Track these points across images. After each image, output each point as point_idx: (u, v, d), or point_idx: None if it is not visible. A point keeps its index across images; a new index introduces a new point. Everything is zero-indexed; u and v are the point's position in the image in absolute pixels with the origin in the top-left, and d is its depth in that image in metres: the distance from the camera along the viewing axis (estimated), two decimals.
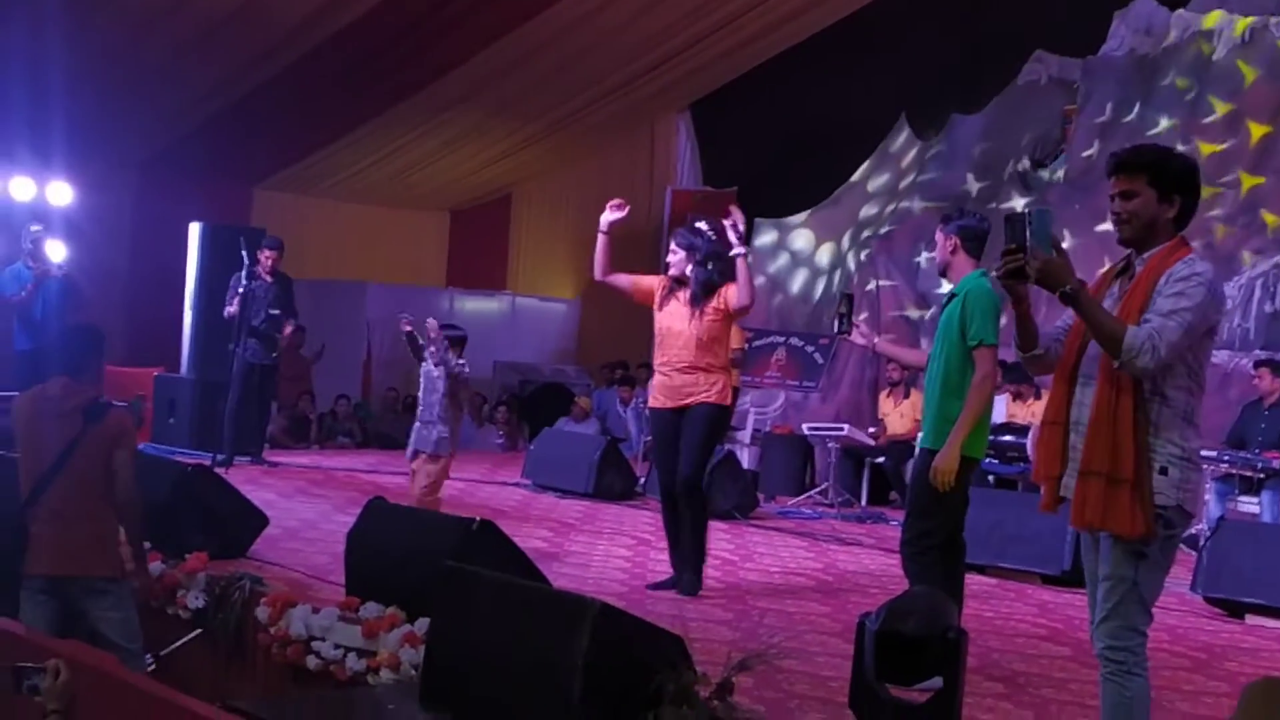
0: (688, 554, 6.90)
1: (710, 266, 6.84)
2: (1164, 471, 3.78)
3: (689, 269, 6.86)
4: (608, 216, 6.91)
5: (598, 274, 7.11)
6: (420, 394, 7.74)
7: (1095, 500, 3.80)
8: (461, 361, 7.66)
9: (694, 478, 6.84)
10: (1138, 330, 3.72)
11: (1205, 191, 11.58)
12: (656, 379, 7.01)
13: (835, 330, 6.14)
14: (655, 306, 6.96)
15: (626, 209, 6.93)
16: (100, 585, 5.40)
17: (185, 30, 12.67)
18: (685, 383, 6.82)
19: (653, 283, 7.04)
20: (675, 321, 6.86)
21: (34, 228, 11.06)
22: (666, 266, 7.00)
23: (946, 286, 5.44)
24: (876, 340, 6.44)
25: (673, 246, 6.93)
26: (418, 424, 7.71)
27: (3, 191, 12.77)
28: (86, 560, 5.38)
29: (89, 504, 5.38)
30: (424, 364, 7.66)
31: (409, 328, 7.66)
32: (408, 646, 5.27)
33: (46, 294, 10.81)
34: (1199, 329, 3.77)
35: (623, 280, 7.10)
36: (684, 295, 6.86)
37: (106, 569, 5.43)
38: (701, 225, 7.02)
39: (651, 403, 7.13)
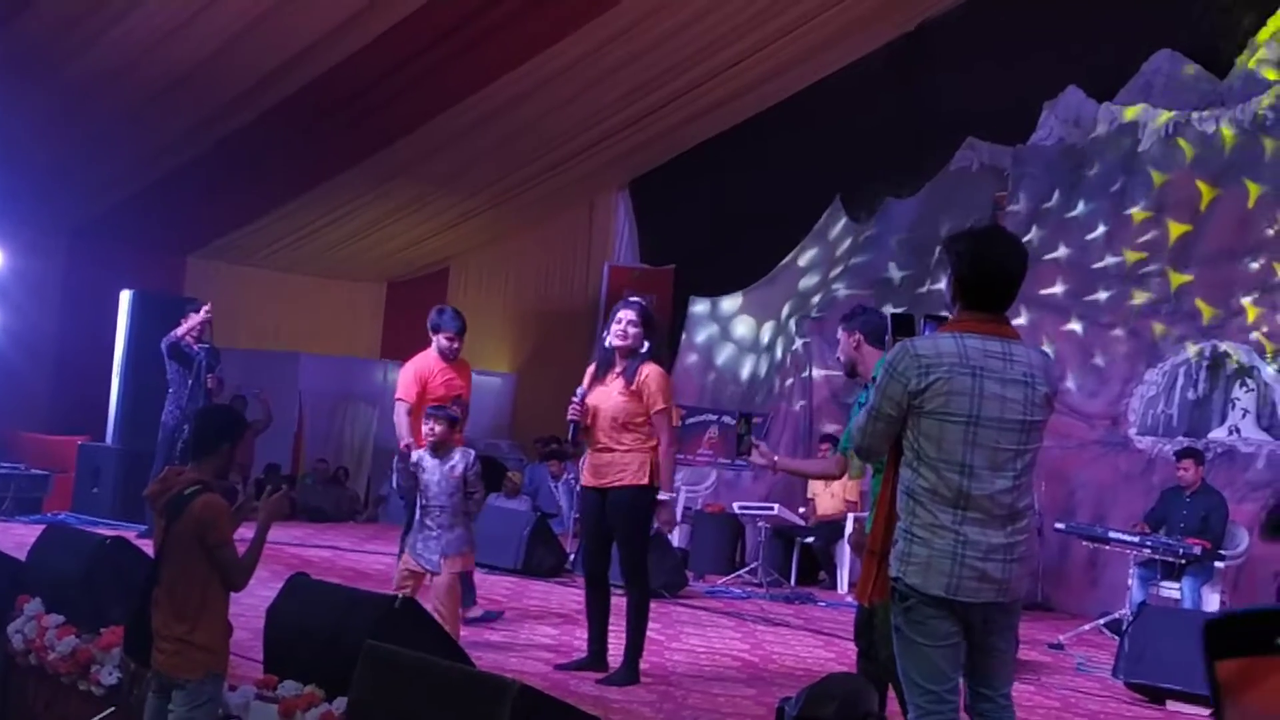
0: (626, 643, 6.72)
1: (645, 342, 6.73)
2: (895, 544, 3.85)
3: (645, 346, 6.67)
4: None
5: None
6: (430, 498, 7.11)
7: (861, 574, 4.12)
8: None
9: (631, 570, 6.73)
10: None
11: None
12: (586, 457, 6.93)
13: (736, 451, 6.06)
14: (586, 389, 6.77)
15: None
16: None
17: (121, 100, 12.67)
18: (603, 462, 6.72)
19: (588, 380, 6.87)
20: (600, 399, 6.70)
21: None
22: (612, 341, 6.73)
23: None
24: (776, 459, 6.15)
25: (634, 318, 6.64)
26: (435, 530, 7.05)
27: None
28: None
29: None
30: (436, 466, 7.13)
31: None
32: None
33: None
34: (883, 409, 3.82)
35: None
36: (611, 375, 6.72)
37: None
38: (637, 299, 7.01)
39: (582, 480, 7.03)
